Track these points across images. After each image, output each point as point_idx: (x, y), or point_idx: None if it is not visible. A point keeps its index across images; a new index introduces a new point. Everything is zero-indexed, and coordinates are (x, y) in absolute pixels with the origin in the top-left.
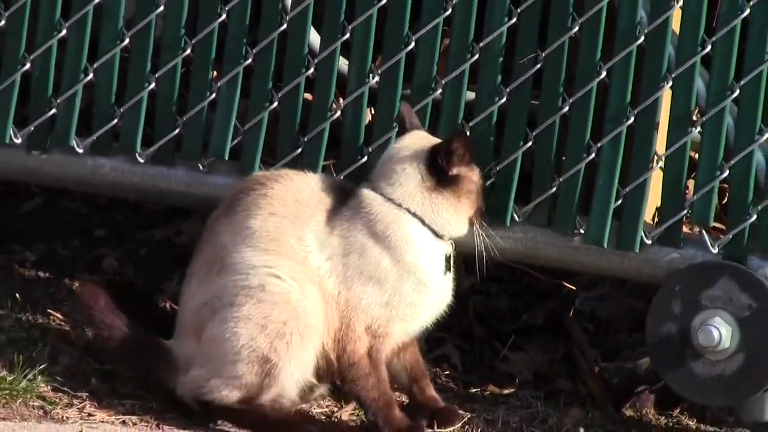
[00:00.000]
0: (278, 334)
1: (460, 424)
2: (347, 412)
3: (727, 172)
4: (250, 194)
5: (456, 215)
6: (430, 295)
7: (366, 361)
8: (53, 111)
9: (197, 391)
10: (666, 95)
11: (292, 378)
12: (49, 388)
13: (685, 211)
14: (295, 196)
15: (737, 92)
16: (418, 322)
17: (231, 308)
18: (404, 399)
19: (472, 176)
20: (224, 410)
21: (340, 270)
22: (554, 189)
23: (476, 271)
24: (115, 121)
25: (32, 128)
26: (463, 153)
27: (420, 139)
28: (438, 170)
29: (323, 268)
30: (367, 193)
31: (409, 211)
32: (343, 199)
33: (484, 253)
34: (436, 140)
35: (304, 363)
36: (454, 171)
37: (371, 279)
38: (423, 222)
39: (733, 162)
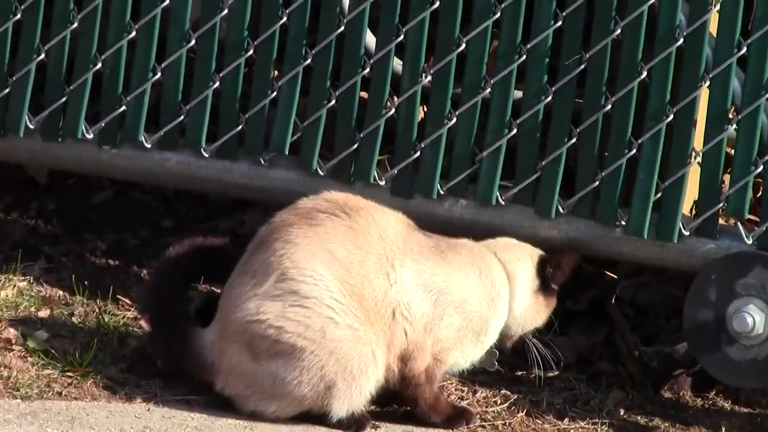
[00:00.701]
0: (333, 382)
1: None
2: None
3: (761, 167)
4: (333, 220)
5: (531, 321)
6: (477, 356)
7: (424, 375)
8: (123, 108)
9: (255, 415)
10: (703, 94)
11: (344, 410)
12: (117, 369)
13: (721, 204)
14: (380, 234)
15: None
16: (456, 367)
17: (292, 354)
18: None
19: (556, 298)
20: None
21: (434, 299)
22: (597, 183)
23: None
24: (182, 117)
25: (103, 124)
26: (569, 273)
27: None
28: (543, 277)
29: (409, 296)
30: (491, 256)
31: (510, 290)
32: (429, 241)
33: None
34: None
35: (358, 398)
36: (556, 286)
37: (461, 315)
38: (511, 305)
39: (767, 158)
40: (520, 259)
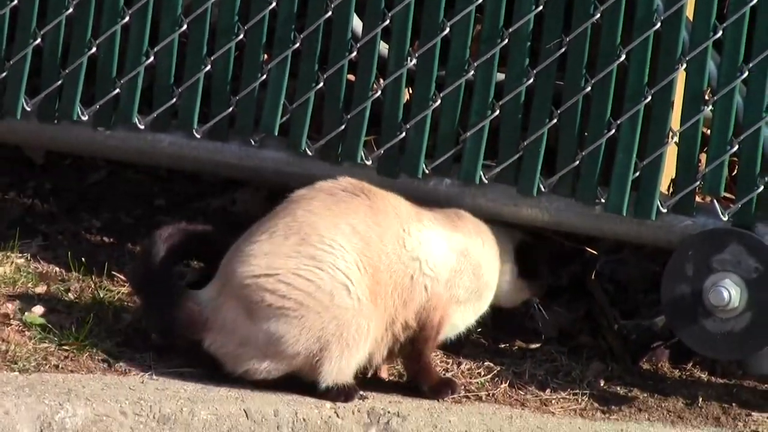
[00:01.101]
0: (327, 344)
1: None
2: (385, 370)
3: (736, 147)
4: (354, 199)
5: (514, 298)
6: (470, 322)
7: (437, 328)
8: (117, 91)
9: (246, 373)
10: (680, 76)
11: (333, 374)
12: (113, 343)
13: (698, 183)
14: (396, 213)
15: (746, 73)
16: (453, 330)
17: (297, 312)
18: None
19: (539, 281)
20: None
21: (456, 257)
22: (577, 162)
23: None
24: (174, 100)
25: (98, 106)
26: (547, 263)
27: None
28: (523, 265)
29: (434, 254)
30: (489, 231)
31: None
32: (438, 213)
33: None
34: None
35: (346, 367)
36: (532, 272)
37: (475, 276)
38: (500, 280)
39: (742, 137)
40: (506, 240)
